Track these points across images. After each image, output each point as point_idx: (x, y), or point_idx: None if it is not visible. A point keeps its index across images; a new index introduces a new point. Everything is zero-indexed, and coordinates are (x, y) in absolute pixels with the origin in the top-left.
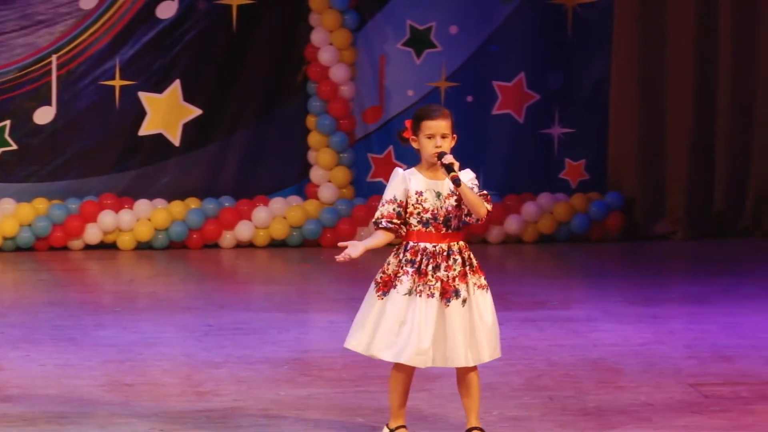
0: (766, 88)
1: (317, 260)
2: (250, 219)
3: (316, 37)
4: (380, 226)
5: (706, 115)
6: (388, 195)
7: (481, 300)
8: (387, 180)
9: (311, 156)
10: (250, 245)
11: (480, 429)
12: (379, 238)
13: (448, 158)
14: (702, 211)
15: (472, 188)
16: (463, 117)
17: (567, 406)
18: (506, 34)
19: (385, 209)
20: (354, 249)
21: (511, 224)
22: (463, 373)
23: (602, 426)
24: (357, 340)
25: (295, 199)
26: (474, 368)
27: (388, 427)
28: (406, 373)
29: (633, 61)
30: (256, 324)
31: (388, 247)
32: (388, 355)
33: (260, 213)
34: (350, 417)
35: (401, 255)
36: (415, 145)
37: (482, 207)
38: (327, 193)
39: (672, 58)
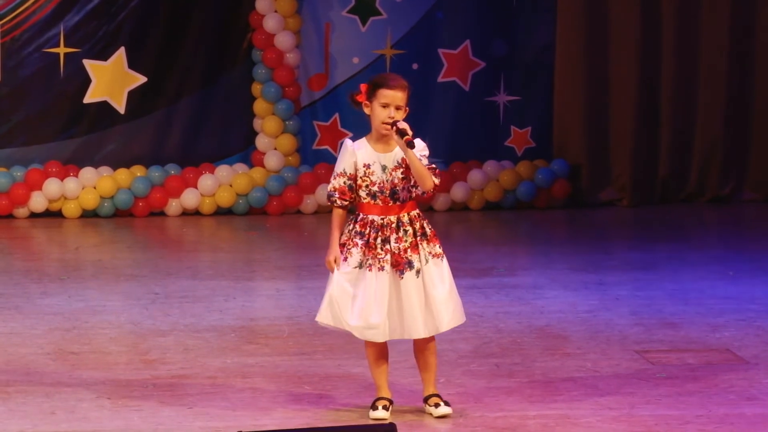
0: (710, 53)
1: (263, 228)
2: (196, 187)
3: (261, 4)
4: (335, 204)
5: (651, 81)
6: (338, 168)
7: (435, 269)
8: (333, 147)
9: (257, 123)
10: (196, 213)
11: (439, 395)
12: (341, 219)
13: (403, 124)
14: (647, 177)
15: (420, 159)
16: (408, 83)
17: (514, 373)
18: (452, 2)
19: (336, 182)
20: (335, 255)
21: (457, 192)
22: (420, 344)
23: (549, 393)
24: (319, 311)
25: (241, 167)
26: (431, 339)
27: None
28: (375, 346)
29: (578, 27)
30: (203, 292)
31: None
32: (335, 323)
33: (206, 181)
34: (297, 385)
35: (351, 226)
36: (366, 110)
37: (429, 179)
38: (273, 160)
39: (616, 24)
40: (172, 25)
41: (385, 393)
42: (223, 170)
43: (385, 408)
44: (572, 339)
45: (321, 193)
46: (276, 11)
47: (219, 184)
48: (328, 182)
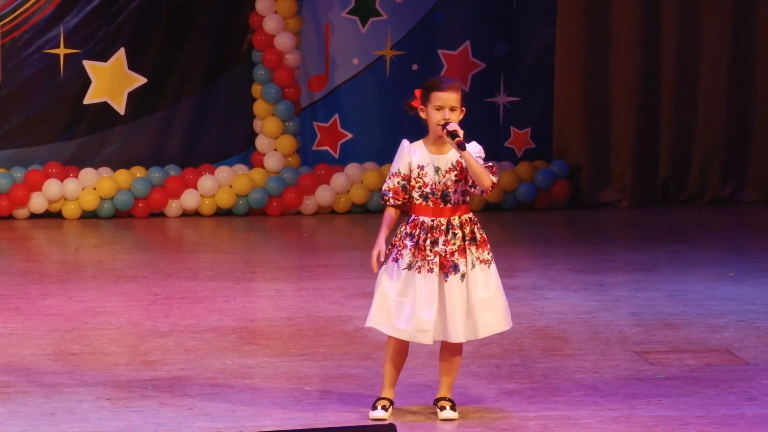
0: (711, 55)
1: (263, 229)
2: (195, 188)
3: (261, 5)
4: (389, 203)
5: (652, 82)
6: (394, 167)
7: (481, 275)
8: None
9: (257, 124)
10: (196, 214)
11: (449, 399)
12: (392, 218)
13: (453, 126)
14: (647, 178)
15: (480, 158)
16: (408, 86)
17: (514, 374)
18: (451, 2)
19: (391, 182)
20: (380, 249)
21: None
22: (450, 348)
23: (549, 393)
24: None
25: (241, 168)
26: (461, 345)
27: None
28: (400, 347)
29: (578, 29)
30: (203, 293)
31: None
32: (385, 328)
33: (206, 181)
34: (297, 385)
35: (402, 227)
36: (422, 114)
37: (486, 178)
38: (273, 161)
39: (617, 25)
40: (172, 27)
41: (388, 393)
42: (223, 171)
43: (384, 408)
44: (572, 340)
45: (321, 194)
46: (276, 12)
47: (219, 185)
48: (329, 183)
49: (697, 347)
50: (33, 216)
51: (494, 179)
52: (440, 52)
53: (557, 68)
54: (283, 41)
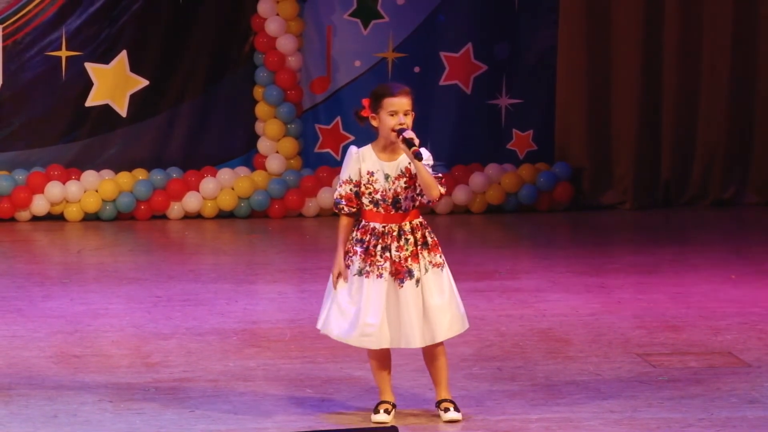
0: (713, 56)
1: (265, 231)
2: (197, 190)
3: (263, 7)
4: (343, 212)
5: (653, 84)
6: (344, 175)
7: (434, 278)
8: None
9: (258, 127)
10: (198, 216)
11: (450, 400)
12: (347, 229)
13: (409, 133)
14: (649, 180)
15: (429, 166)
16: (410, 88)
17: (516, 376)
18: (453, 5)
19: (342, 189)
20: (340, 269)
21: (459, 195)
22: (428, 352)
23: (551, 396)
24: (319, 318)
25: (242, 170)
26: (439, 345)
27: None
28: (376, 352)
29: (580, 30)
30: (205, 295)
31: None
32: (335, 334)
33: (208, 184)
34: (299, 388)
35: (353, 233)
36: (374, 122)
37: (435, 188)
38: (275, 163)
39: (618, 27)
40: (173, 29)
41: (388, 396)
42: (225, 173)
43: (386, 412)
44: (574, 342)
45: (323, 196)
46: (278, 14)
47: (221, 187)
48: (330, 186)
49: (699, 349)
50: (35, 218)
51: (442, 190)
52: (442, 54)
53: (559, 70)
54: (285, 43)
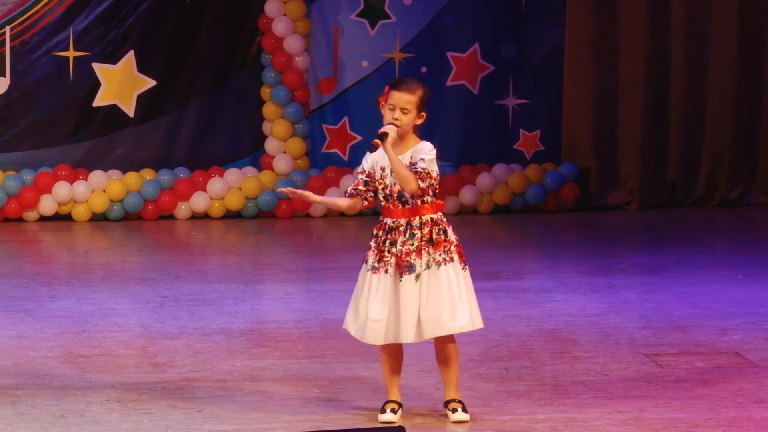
0: (720, 56)
1: (272, 231)
2: (205, 190)
3: (270, 7)
4: (346, 192)
5: (660, 85)
6: (360, 166)
7: (435, 276)
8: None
9: (266, 127)
10: (205, 216)
11: (458, 401)
12: (339, 201)
13: (387, 128)
14: (656, 180)
15: (421, 160)
16: (424, 86)
17: (523, 376)
18: (460, 5)
19: (357, 178)
20: (309, 194)
21: (466, 195)
22: (440, 345)
23: (558, 396)
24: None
25: (250, 170)
26: (451, 340)
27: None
28: (390, 350)
29: (587, 31)
30: (212, 295)
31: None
32: (352, 330)
33: (215, 184)
34: (306, 388)
35: (373, 229)
36: (383, 111)
37: (412, 182)
38: (282, 164)
39: (626, 27)
40: (181, 29)
41: (395, 396)
42: (232, 173)
43: (393, 411)
44: (581, 342)
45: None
46: (285, 15)
47: (228, 187)
48: (338, 186)
49: (705, 349)
50: (42, 218)
51: (422, 184)
52: (449, 54)
53: (566, 70)
54: (293, 44)
